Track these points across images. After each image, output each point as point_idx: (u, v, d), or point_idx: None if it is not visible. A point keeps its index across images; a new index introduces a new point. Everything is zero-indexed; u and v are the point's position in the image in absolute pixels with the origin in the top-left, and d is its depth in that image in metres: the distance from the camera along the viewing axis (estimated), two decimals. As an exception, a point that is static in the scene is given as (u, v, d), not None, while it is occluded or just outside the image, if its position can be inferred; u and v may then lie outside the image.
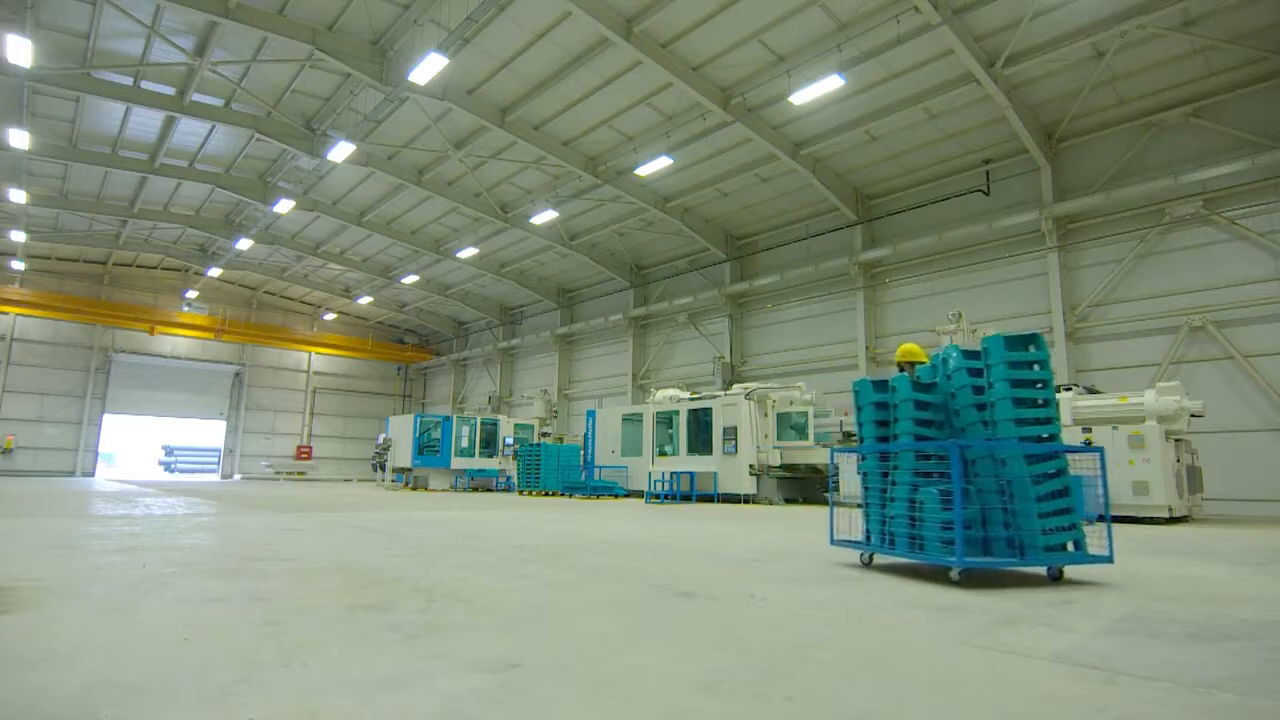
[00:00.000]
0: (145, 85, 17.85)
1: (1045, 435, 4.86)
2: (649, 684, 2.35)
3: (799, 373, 20.94)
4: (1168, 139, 15.04)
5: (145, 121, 19.69)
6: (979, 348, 5.12)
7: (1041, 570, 4.94)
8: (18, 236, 25.35)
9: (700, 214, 22.73)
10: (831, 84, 14.05)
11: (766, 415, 16.52)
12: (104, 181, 23.18)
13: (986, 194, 17.57)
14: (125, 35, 15.98)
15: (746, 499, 16.00)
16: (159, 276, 33.52)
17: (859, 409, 5.72)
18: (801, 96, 14.55)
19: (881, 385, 5.59)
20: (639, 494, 18.50)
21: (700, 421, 17.57)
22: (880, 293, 19.85)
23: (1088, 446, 5.25)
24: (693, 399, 18.33)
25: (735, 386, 18.19)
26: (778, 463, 16.16)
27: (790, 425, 16.37)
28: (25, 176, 21.79)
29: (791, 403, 16.66)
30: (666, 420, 18.66)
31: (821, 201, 20.22)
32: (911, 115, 16.45)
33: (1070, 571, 4.97)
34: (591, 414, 21.09)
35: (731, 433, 16.49)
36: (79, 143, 20.50)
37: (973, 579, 4.67)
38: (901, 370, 6.01)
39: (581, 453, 20.62)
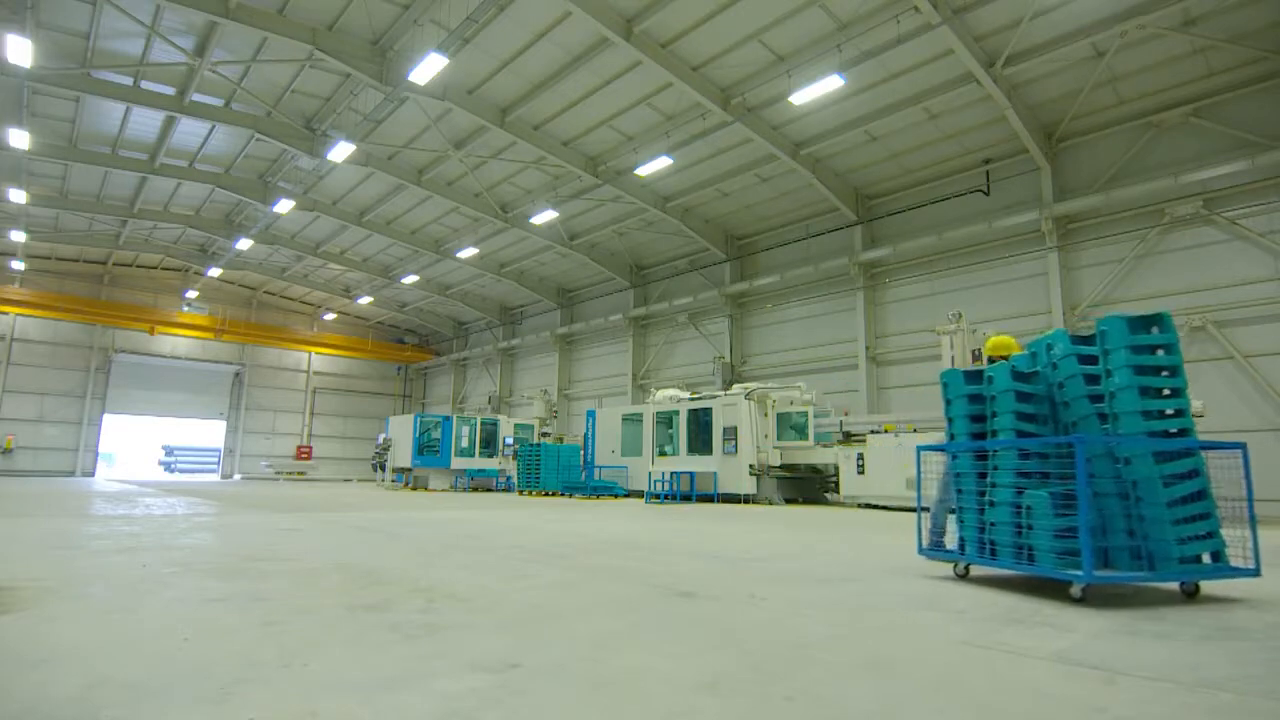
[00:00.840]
0: (145, 85, 17.84)
1: (1175, 430, 4.26)
2: (649, 684, 2.35)
3: (799, 373, 20.94)
4: (1168, 139, 15.04)
5: (145, 121, 19.68)
6: (1092, 331, 4.57)
7: (1174, 586, 4.38)
8: (18, 236, 25.36)
9: (700, 214, 22.72)
10: (831, 84, 14.05)
11: (766, 415, 16.52)
12: (104, 181, 23.18)
13: (986, 194, 17.57)
14: (125, 35, 15.98)
15: (746, 499, 16.00)
16: (159, 276, 33.52)
17: (948, 402, 5.13)
18: (801, 96, 14.55)
19: (975, 376, 4.98)
20: (639, 494, 18.50)
21: (700, 421, 17.57)
22: (880, 293, 19.84)
23: (1228, 443, 4.48)
24: (693, 399, 18.33)
25: (735, 386, 18.18)
26: (778, 463, 16.17)
27: (790, 425, 16.37)
28: (25, 176, 21.79)
29: (791, 403, 16.66)
30: (666, 420, 18.66)
31: (821, 201, 20.22)
32: (911, 115, 16.44)
33: (1206, 587, 4.36)
34: (591, 414, 21.09)
35: (731, 433, 16.49)
36: (79, 143, 20.50)
37: (1095, 596, 4.12)
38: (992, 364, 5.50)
39: (581, 453, 20.61)
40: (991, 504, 4.58)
